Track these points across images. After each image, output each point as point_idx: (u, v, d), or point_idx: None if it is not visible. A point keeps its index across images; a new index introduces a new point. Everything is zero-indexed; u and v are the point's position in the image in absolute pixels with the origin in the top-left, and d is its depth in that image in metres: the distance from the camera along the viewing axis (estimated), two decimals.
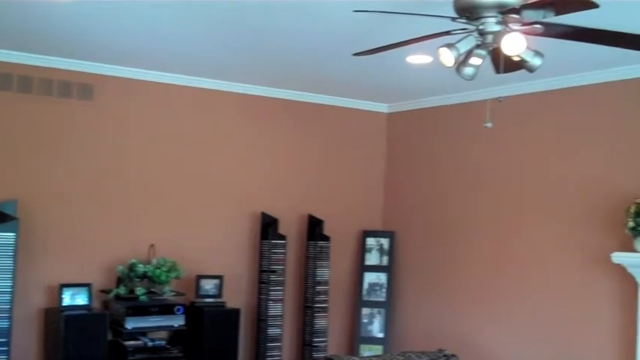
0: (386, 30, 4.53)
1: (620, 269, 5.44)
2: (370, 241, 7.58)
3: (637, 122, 5.60)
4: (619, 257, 5.38)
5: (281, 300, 6.94)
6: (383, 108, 7.85)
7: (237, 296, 6.92)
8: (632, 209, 5.26)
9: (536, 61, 3.51)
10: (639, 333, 5.38)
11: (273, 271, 6.90)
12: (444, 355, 5.01)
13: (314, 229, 7.22)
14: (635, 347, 5.39)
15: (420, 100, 7.38)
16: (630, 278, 5.43)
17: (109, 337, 6.02)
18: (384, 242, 7.55)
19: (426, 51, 5.03)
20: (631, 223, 5.25)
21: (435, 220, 7.23)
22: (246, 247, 7.09)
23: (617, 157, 5.72)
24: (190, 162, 6.79)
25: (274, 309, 6.89)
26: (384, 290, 7.46)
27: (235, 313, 6.63)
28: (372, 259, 7.55)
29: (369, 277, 7.51)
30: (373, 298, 7.47)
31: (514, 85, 6.23)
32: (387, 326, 7.40)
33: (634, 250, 5.32)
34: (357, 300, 7.53)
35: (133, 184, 6.52)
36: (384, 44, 3.89)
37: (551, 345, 6.05)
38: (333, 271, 7.32)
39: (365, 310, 7.46)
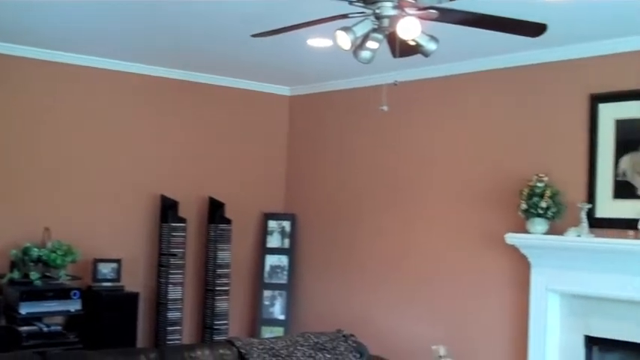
0: (285, 11, 4.52)
1: (514, 250, 5.60)
2: (272, 224, 7.58)
3: (531, 107, 5.76)
4: (512, 238, 5.54)
5: (181, 283, 6.88)
6: (285, 91, 7.84)
7: (136, 280, 6.81)
8: (525, 191, 5.42)
9: (431, 46, 3.55)
10: (531, 310, 5.56)
11: (173, 255, 6.83)
12: (343, 336, 5.06)
13: (215, 211, 7.17)
14: (527, 324, 5.58)
15: (322, 83, 7.40)
16: (523, 258, 5.60)
17: (3, 322, 5.85)
18: (286, 225, 7.56)
19: (326, 34, 5.04)
20: (524, 205, 5.41)
21: (336, 203, 7.29)
22: (146, 230, 6.99)
23: (511, 141, 5.88)
24: (87, 143, 6.64)
25: (174, 292, 6.82)
26: (285, 273, 7.48)
27: (134, 297, 6.54)
28: (273, 241, 7.55)
29: (271, 260, 7.52)
30: (274, 281, 7.48)
31: (413, 70, 6.32)
32: (289, 308, 7.42)
33: (527, 232, 5.49)
34: (259, 282, 7.53)
35: (27, 166, 6.33)
36: (283, 26, 3.87)
37: (448, 323, 6.19)
38: (235, 254, 7.29)
39: (266, 293, 7.47)
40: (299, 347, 4.84)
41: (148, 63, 6.79)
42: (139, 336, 6.61)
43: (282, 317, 7.40)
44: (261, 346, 4.76)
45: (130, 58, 6.63)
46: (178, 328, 6.85)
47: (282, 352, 4.77)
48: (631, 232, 5.04)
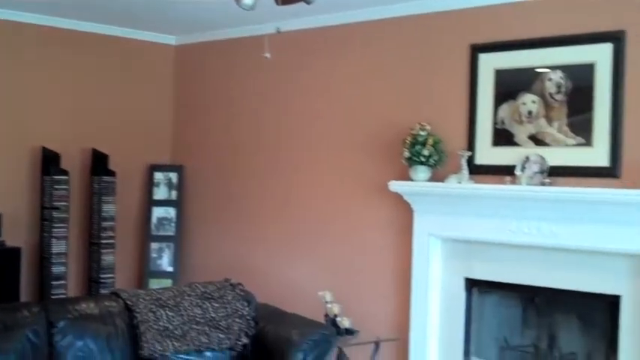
0: None
1: (398, 197, 5.73)
2: (158, 176, 7.48)
3: (413, 57, 5.86)
4: (396, 186, 5.66)
5: (65, 237, 6.74)
6: (170, 40, 7.69)
7: (17, 234, 6.62)
8: (408, 140, 5.53)
9: None
10: (414, 255, 5.72)
11: (56, 208, 6.67)
12: (230, 284, 5.08)
13: (99, 163, 7.02)
14: (410, 268, 5.74)
15: (207, 32, 7.29)
16: (406, 205, 5.74)
17: None
18: (173, 176, 7.49)
19: None
20: (407, 154, 5.52)
21: (223, 154, 7.25)
22: (27, 183, 6.79)
23: (395, 91, 5.97)
24: None
25: (58, 246, 6.68)
26: (172, 225, 7.42)
27: (16, 251, 6.38)
28: (160, 193, 7.47)
29: (158, 212, 7.44)
30: (162, 233, 7.42)
31: (297, 20, 6.32)
32: (177, 260, 7.39)
33: (410, 179, 5.62)
34: (146, 235, 7.45)
35: None
36: None
37: (334, 270, 6.30)
38: (120, 207, 7.18)
39: (154, 245, 7.40)
40: (186, 297, 4.84)
41: (27, 11, 6.53)
42: (22, 291, 6.46)
43: (170, 269, 7.37)
44: (147, 297, 4.74)
45: (8, 6, 6.36)
46: (63, 282, 6.72)
47: (169, 302, 4.76)
48: (508, 178, 5.23)
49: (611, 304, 5.02)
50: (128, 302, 4.68)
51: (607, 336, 5.18)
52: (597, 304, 5.23)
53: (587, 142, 5.03)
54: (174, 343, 4.65)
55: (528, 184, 5.12)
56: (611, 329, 5.09)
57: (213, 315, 4.85)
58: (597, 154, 4.97)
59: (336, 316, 5.52)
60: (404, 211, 5.79)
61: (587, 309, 5.37)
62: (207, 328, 4.80)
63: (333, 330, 5.12)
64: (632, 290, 4.87)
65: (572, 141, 5.10)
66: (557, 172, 5.09)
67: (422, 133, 5.50)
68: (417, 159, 5.47)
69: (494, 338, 5.75)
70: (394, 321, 5.93)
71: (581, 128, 5.06)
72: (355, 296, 6.05)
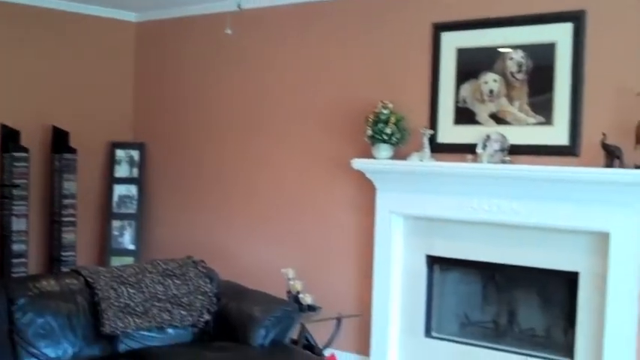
0: None
1: (360, 175, 5.75)
2: (120, 153, 7.42)
3: (377, 36, 5.86)
4: (358, 163, 5.68)
5: (25, 215, 6.67)
6: (131, 17, 7.60)
7: None
8: (371, 118, 5.55)
9: None
10: (376, 233, 5.76)
11: (16, 186, 6.59)
12: (192, 262, 5.07)
13: (59, 141, 6.94)
14: (373, 246, 5.77)
15: (167, 9, 7.22)
16: (369, 183, 5.77)
17: None
18: (134, 154, 7.43)
19: None
20: (369, 132, 5.54)
21: (186, 132, 7.21)
22: None
23: (358, 69, 5.98)
24: None
25: (18, 224, 6.61)
26: (134, 202, 7.38)
27: None
28: (121, 171, 7.41)
29: (119, 190, 7.39)
30: (123, 211, 7.37)
31: None
32: (139, 238, 7.35)
33: (372, 157, 5.64)
34: (107, 213, 7.40)
35: None
36: None
37: (297, 247, 6.32)
38: (81, 185, 7.11)
39: (115, 223, 7.35)
40: (148, 274, 4.82)
41: None
42: None
43: (132, 247, 7.33)
44: (108, 275, 4.71)
45: None
46: (24, 260, 6.66)
47: (130, 279, 4.73)
48: (470, 157, 5.28)
49: (569, 280, 5.11)
50: (89, 279, 4.65)
51: (565, 311, 5.28)
52: (556, 281, 5.31)
53: (548, 120, 5.09)
54: (136, 319, 4.63)
55: (489, 162, 5.17)
56: (569, 305, 5.18)
57: (175, 292, 4.83)
58: (557, 133, 5.04)
59: (298, 292, 5.55)
60: (367, 188, 5.82)
61: (547, 285, 5.45)
62: (169, 305, 4.79)
63: (295, 306, 5.14)
64: (590, 267, 4.95)
65: (532, 120, 5.15)
66: (518, 151, 5.15)
67: (384, 111, 5.52)
68: (379, 137, 5.49)
69: (454, 314, 5.82)
70: (356, 298, 5.97)
71: (542, 107, 5.11)
72: (318, 273, 6.08)
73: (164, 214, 7.39)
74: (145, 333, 4.70)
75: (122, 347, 4.62)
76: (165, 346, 4.70)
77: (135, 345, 4.66)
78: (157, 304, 4.76)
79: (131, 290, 4.69)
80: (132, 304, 4.66)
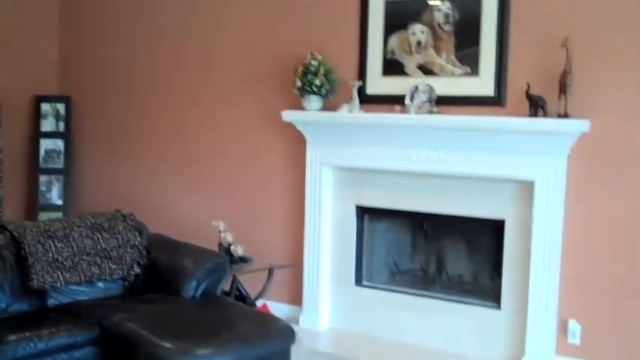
0: None
1: (291, 127, 5.75)
2: (45, 107, 7.25)
3: None
4: (288, 115, 5.68)
5: None
6: None
7: None
8: (300, 69, 5.53)
9: None
10: (307, 184, 5.78)
11: None
12: (121, 215, 5.03)
13: None
14: (304, 198, 5.80)
15: None
16: (300, 135, 5.77)
17: None
18: (60, 108, 7.27)
19: None
20: (299, 83, 5.53)
21: (114, 84, 7.08)
22: None
23: (286, 21, 5.94)
24: None
25: None
26: (61, 157, 7.25)
27: None
28: (47, 125, 7.25)
29: (46, 144, 7.24)
30: (50, 166, 7.23)
31: None
32: (67, 193, 7.24)
33: (302, 109, 5.64)
34: (34, 168, 7.25)
35: None
36: None
37: (229, 200, 6.32)
38: (6, 139, 6.95)
39: (42, 178, 7.22)
40: (76, 228, 4.76)
41: None
42: None
43: (59, 202, 7.21)
44: (35, 229, 4.64)
45: None
46: None
47: (58, 233, 4.68)
48: (398, 108, 5.32)
49: (496, 228, 5.22)
50: (15, 234, 4.58)
51: (492, 258, 5.41)
52: (483, 229, 5.43)
53: (474, 71, 5.15)
54: (65, 274, 4.59)
55: (417, 113, 5.23)
56: (495, 252, 5.31)
57: (104, 246, 4.80)
58: (483, 84, 5.11)
59: (230, 244, 5.56)
60: (297, 140, 5.83)
61: (474, 234, 5.57)
62: (98, 259, 4.76)
63: (226, 258, 5.16)
64: (515, 215, 5.07)
65: (459, 71, 5.21)
66: (445, 101, 5.21)
67: (313, 62, 5.51)
68: (308, 88, 5.49)
69: (384, 263, 5.91)
70: (288, 249, 6.01)
71: (469, 58, 5.17)
72: (249, 225, 6.10)
73: (93, 168, 7.28)
74: (75, 287, 4.69)
75: (51, 302, 4.60)
76: (95, 300, 4.69)
77: (64, 299, 4.64)
78: (85, 258, 4.72)
79: (59, 244, 4.64)
80: (60, 258, 4.62)
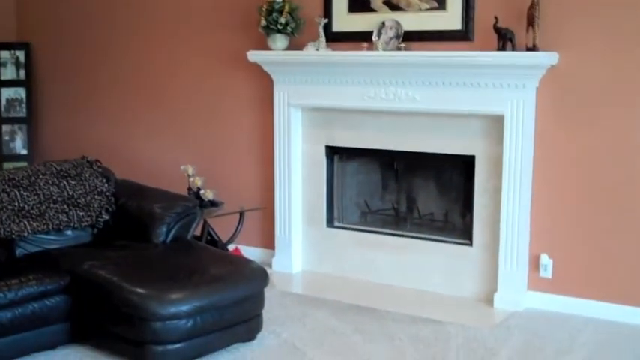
0: None
1: (258, 67, 5.66)
2: (4, 54, 7.07)
3: None
4: (254, 55, 5.58)
5: None
6: None
7: None
8: (264, 8, 5.43)
9: None
10: (275, 125, 5.72)
11: None
12: (87, 162, 4.95)
13: None
14: (273, 139, 5.74)
15: None
16: (267, 76, 5.69)
17: None
18: (20, 55, 7.09)
19: None
20: (263, 22, 5.43)
21: (74, 30, 6.90)
22: None
23: None
24: None
25: None
26: (24, 106, 7.10)
27: None
28: (7, 73, 7.07)
29: (7, 93, 7.07)
30: (13, 115, 7.09)
31: None
32: (31, 142, 7.11)
33: (268, 49, 5.54)
34: None
35: None
36: None
37: (196, 144, 6.25)
38: None
39: (5, 128, 7.08)
40: (41, 176, 4.68)
41: None
42: None
43: (24, 152, 7.09)
44: None
45: None
46: None
47: (23, 182, 4.59)
48: (365, 45, 5.25)
49: (466, 164, 5.21)
50: None
51: (462, 196, 5.41)
52: (454, 166, 5.42)
53: (441, 6, 5.08)
54: (32, 223, 4.52)
55: (384, 50, 5.16)
56: (466, 189, 5.30)
57: (71, 193, 4.73)
58: (451, 18, 5.04)
59: (199, 189, 5.50)
60: (264, 82, 5.74)
61: (445, 171, 5.56)
62: (65, 207, 4.69)
63: (196, 202, 5.10)
64: (485, 150, 5.05)
65: (426, 5, 5.14)
66: (413, 37, 5.15)
67: (278, 0, 5.40)
68: (274, 27, 5.39)
69: (356, 204, 5.89)
70: (259, 192, 5.97)
71: None
72: (219, 169, 6.04)
73: (57, 116, 7.14)
74: (43, 236, 4.63)
75: (19, 251, 4.54)
76: (64, 248, 4.64)
77: (33, 248, 4.58)
78: (53, 206, 4.65)
79: (25, 193, 4.57)
80: (27, 207, 4.55)
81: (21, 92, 7.09)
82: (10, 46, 7.10)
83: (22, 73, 7.09)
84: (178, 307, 3.87)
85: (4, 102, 7.06)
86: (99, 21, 6.73)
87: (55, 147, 7.09)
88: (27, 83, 7.10)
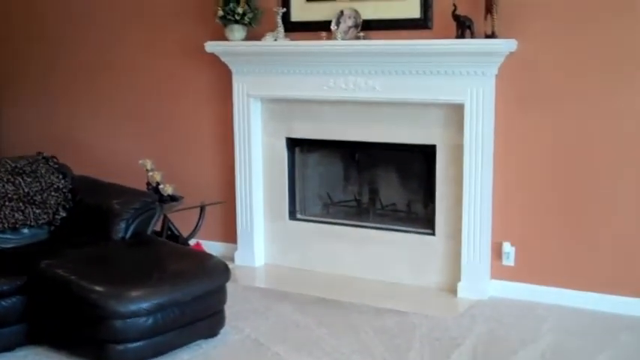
0: None
1: (216, 58, 5.59)
2: None
3: None
4: (212, 46, 5.51)
5: None
6: None
7: None
8: None
9: None
10: (235, 118, 5.65)
11: None
12: (43, 158, 4.85)
13: None
14: (233, 132, 5.67)
15: None
16: (225, 67, 5.62)
17: None
18: None
19: None
20: (220, 12, 5.36)
21: (27, 20, 6.75)
22: None
23: None
24: None
25: None
26: None
27: None
28: None
29: None
30: None
31: None
32: None
33: (226, 39, 5.47)
34: None
35: None
36: None
37: (155, 138, 6.16)
38: None
39: None
40: None
41: None
42: None
43: None
44: None
45: None
46: None
47: None
48: (324, 34, 5.20)
49: (427, 154, 5.19)
50: None
51: (425, 185, 5.40)
52: (415, 156, 5.41)
53: None
54: None
55: (343, 39, 5.12)
56: (428, 179, 5.29)
57: (26, 190, 4.63)
58: (409, 6, 5.01)
59: (158, 183, 5.42)
60: (223, 73, 5.67)
61: (406, 161, 5.55)
62: (21, 205, 4.60)
63: (155, 197, 5.02)
64: (446, 139, 5.04)
65: None
66: (372, 26, 5.11)
67: None
68: (231, 17, 5.33)
69: (317, 196, 5.86)
70: (219, 185, 5.91)
71: None
72: (178, 163, 5.96)
73: (10, 111, 7.00)
74: None
75: None
76: (21, 247, 4.55)
77: None
78: (8, 203, 4.57)
79: None
80: None
81: None
82: None
83: None
84: (138, 304, 3.80)
85: None
86: (53, 10, 6.59)
87: (9, 143, 6.95)
88: None
